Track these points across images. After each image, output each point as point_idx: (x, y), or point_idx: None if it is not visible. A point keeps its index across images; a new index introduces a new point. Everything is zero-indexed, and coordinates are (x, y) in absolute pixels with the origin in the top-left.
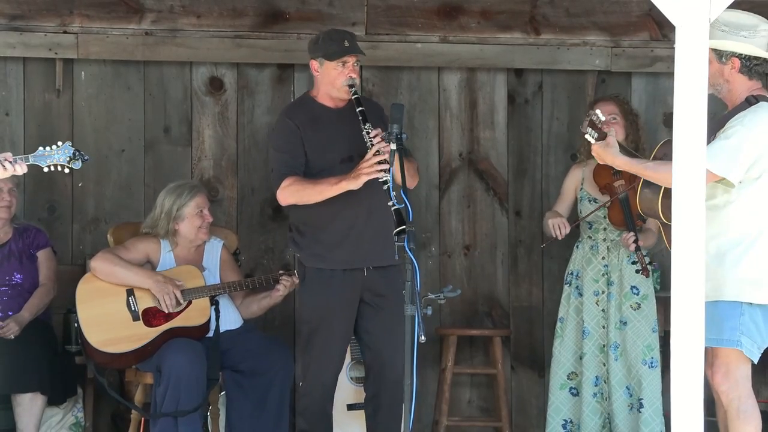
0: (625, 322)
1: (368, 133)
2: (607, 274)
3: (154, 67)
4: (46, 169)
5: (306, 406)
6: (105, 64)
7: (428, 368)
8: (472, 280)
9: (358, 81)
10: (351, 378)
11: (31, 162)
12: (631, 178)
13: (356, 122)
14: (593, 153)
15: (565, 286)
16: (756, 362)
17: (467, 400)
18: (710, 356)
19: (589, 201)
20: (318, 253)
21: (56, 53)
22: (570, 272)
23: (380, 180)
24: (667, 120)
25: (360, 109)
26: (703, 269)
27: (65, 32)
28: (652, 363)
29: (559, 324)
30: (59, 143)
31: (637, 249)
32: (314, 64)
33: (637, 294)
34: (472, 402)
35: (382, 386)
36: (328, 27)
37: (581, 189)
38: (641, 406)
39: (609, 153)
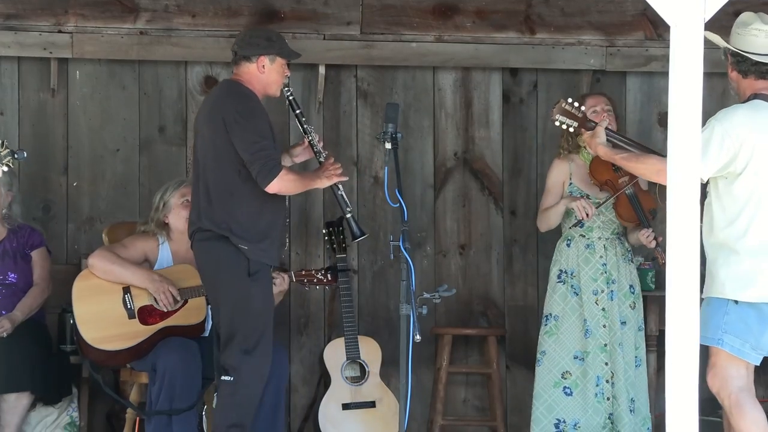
0: (624, 322)
1: (309, 134)
2: (606, 272)
3: (149, 66)
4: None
5: (247, 398)
6: (100, 63)
7: (423, 367)
8: (467, 279)
9: None
10: (346, 377)
11: None
12: None
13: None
14: (585, 141)
15: (558, 284)
16: (755, 362)
17: (462, 400)
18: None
19: (580, 196)
20: (264, 249)
21: (51, 52)
22: (563, 270)
23: (338, 186)
24: (662, 119)
25: (299, 111)
26: (698, 268)
27: (60, 31)
28: (638, 362)
29: (553, 321)
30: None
31: (656, 245)
32: (264, 60)
33: (633, 293)
34: (467, 401)
35: None
36: (324, 26)
37: (570, 183)
38: (635, 407)
39: (593, 142)
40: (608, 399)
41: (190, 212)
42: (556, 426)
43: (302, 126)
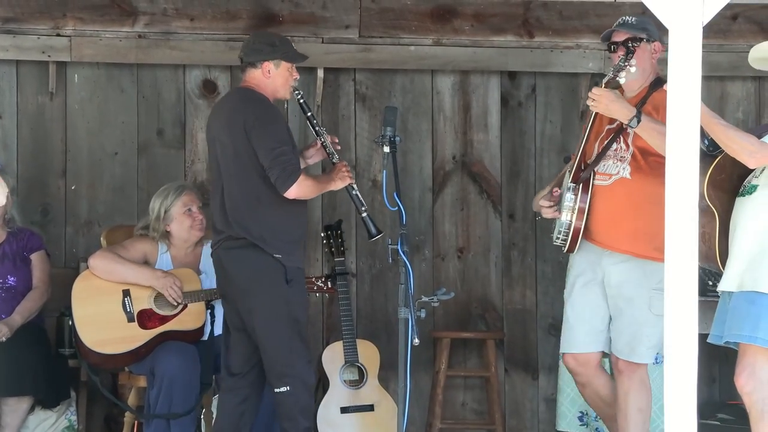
0: None
1: (322, 136)
2: None
3: (147, 69)
4: None
5: (309, 400)
6: (98, 66)
7: (422, 371)
8: (465, 282)
9: None
10: (344, 381)
11: None
12: None
13: None
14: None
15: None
16: None
17: (461, 403)
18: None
19: None
20: (297, 254)
21: (49, 56)
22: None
23: (352, 186)
24: None
25: (310, 113)
26: (696, 268)
27: (58, 35)
28: (656, 359)
29: None
30: None
31: None
32: (269, 65)
33: None
34: (465, 405)
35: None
36: (323, 30)
37: None
38: None
39: None
40: None
41: (215, 220)
42: (580, 419)
43: (314, 128)
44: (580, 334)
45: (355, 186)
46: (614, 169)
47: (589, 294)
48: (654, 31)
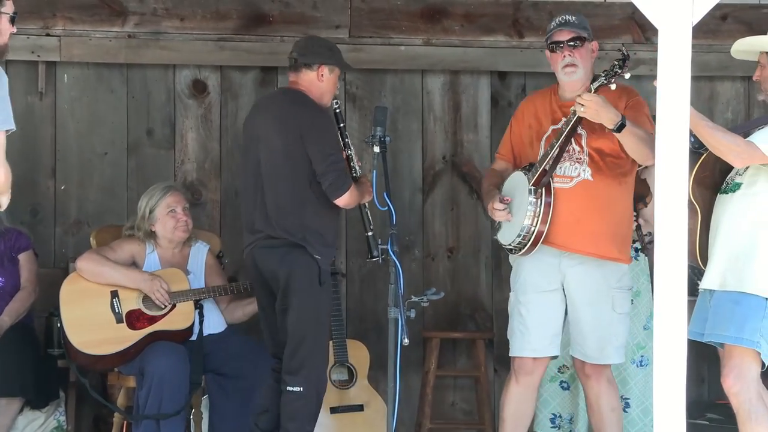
0: None
1: (349, 148)
2: None
3: (137, 69)
4: None
5: (318, 403)
6: (88, 66)
7: (411, 371)
8: (455, 282)
9: None
10: (333, 381)
11: None
12: None
13: None
14: None
15: None
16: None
17: (450, 403)
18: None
19: None
20: (332, 257)
21: (39, 56)
22: None
23: (365, 204)
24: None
25: (342, 124)
26: (686, 264)
27: (48, 35)
28: (641, 362)
29: None
30: None
31: (638, 228)
32: (324, 69)
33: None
34: (455, 404)
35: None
36: (313, 30)
37: None
38: (627, 405)
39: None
40: None
41: (251, 219)
42: (552, 421)
43: (344, 139)
44: (537, 338)
45: (367, 204)
46: (573, 171)
47: (547, 299)
48: (590, 30)
